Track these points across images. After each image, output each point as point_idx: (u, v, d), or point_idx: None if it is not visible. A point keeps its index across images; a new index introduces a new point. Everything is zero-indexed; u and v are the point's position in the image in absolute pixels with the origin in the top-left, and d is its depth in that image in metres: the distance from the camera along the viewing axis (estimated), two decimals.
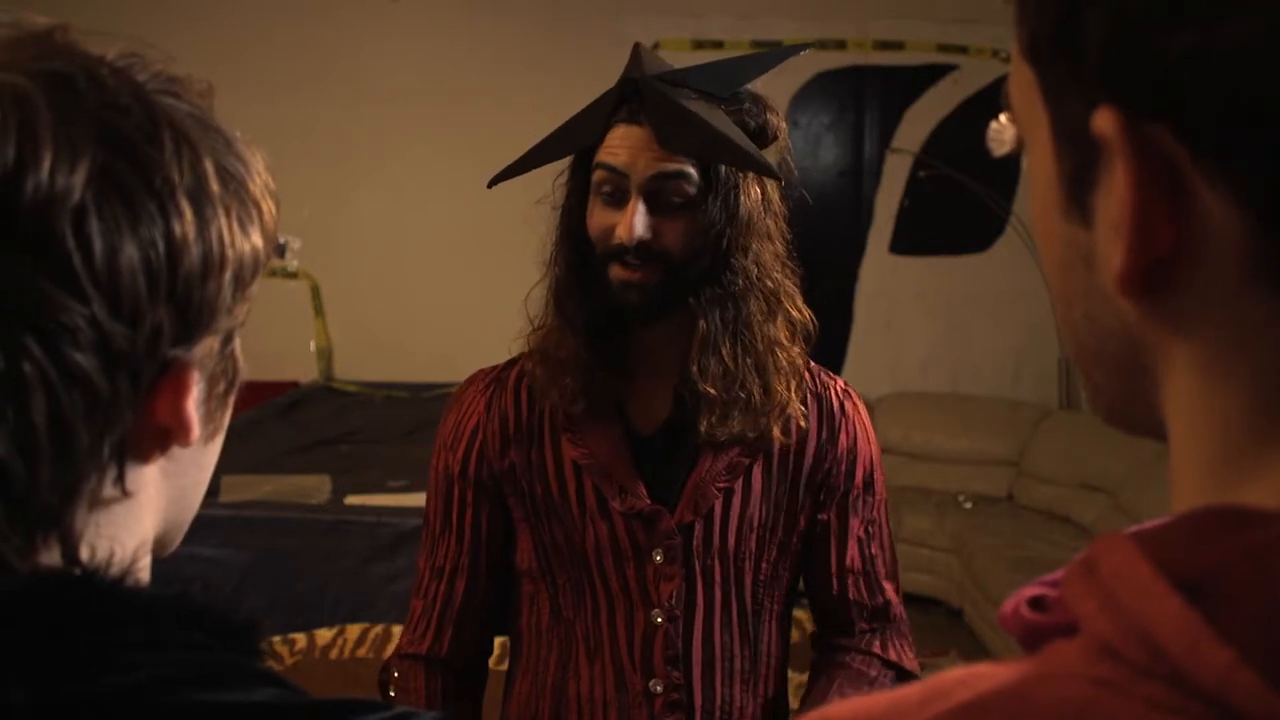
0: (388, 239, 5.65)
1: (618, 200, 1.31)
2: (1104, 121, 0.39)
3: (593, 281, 1.33)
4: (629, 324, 1.35)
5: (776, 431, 1.37)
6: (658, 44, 5.43)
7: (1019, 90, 0.45)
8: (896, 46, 5.63)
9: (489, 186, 1.40)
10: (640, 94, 1.30)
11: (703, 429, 1.34)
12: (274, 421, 4.65)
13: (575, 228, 1.35)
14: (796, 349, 1.39)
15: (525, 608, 1.44)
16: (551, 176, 1.40)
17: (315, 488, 3.71)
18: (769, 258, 1.36)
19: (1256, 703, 0.33)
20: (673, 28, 5.55)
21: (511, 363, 1.46)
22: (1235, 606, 0.34)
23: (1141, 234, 0.39)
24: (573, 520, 1.38)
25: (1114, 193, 0.39)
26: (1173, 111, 0.37)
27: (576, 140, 1.36)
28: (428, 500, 1.47)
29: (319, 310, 5.61)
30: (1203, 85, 0.36)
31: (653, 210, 1.29)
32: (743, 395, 1.33)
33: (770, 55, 1.39)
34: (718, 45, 5.43)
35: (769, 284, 1.35)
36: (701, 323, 1.32)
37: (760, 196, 1.35)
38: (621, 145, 1.30)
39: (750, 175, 1.32)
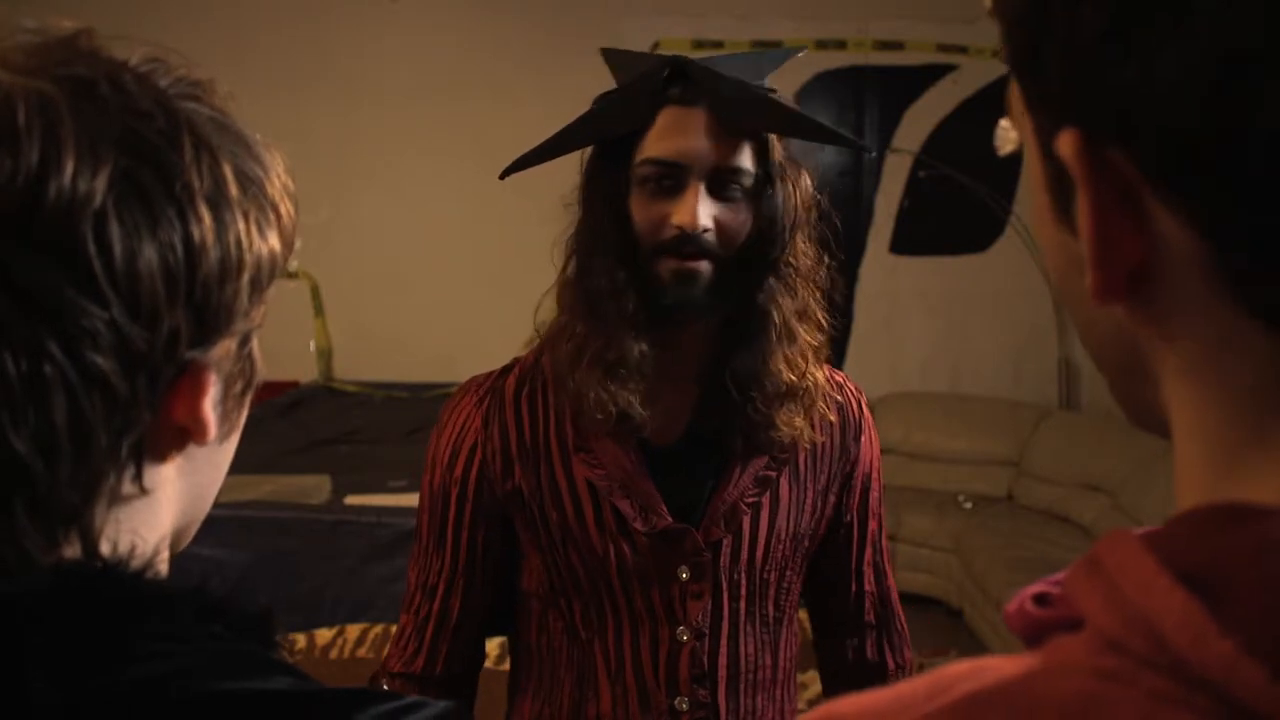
0: (388, 239, 5.65)
1: (670, 190, 1.22)
2: (1065, 145, 0.40)
3: (639, 279, 1.24)
4: (671, 324, 1.25)
5: (808, 436, 1.31)
6: (658, 44, 5.44)
7: (1014, 98, 0.46)
8: (896, 46, 5.63)
9: (501, 177, 1.30)
10: (688, 74, 1.22)
11: (738, 441, 1.28)
12: (274, 421, 4.65)
13: (620, 221, 1.25)
14: (824, 349, 1.33)
15: (534, 627, 1.37)
16: (548, 172, 1.32)
17: (315, 488, 3.71)
18: (813, 254, 1.30)
19: (1261, 694, 0.33)
20: (673, 28, 5.55)
21: (506, 370, 1.36)
22: (1238, 600, 0.35)
23: (1105, 250, 0.40)
24: (591, 544, 1.29)
25: (1081, 210, 0.41)
26: (1126, 138, 0.38)
27: (618, 124, 1.25)
28: (419, 515, 1.40)
29: (319, 310, 5.61)
30: (1145, 115, 0.37)
31: (713, 198, 1.22)
32: (782, 396, 1.27)
33: (776, 54, 1.35)
34: (718, 45, 5.42)
35: (813, 281, 1.30)
36: (744, 320, 1.25)
37: (808, 188, 1.28)
38: (674, 132, 1.22)
39: (798, 167, 1.27)
